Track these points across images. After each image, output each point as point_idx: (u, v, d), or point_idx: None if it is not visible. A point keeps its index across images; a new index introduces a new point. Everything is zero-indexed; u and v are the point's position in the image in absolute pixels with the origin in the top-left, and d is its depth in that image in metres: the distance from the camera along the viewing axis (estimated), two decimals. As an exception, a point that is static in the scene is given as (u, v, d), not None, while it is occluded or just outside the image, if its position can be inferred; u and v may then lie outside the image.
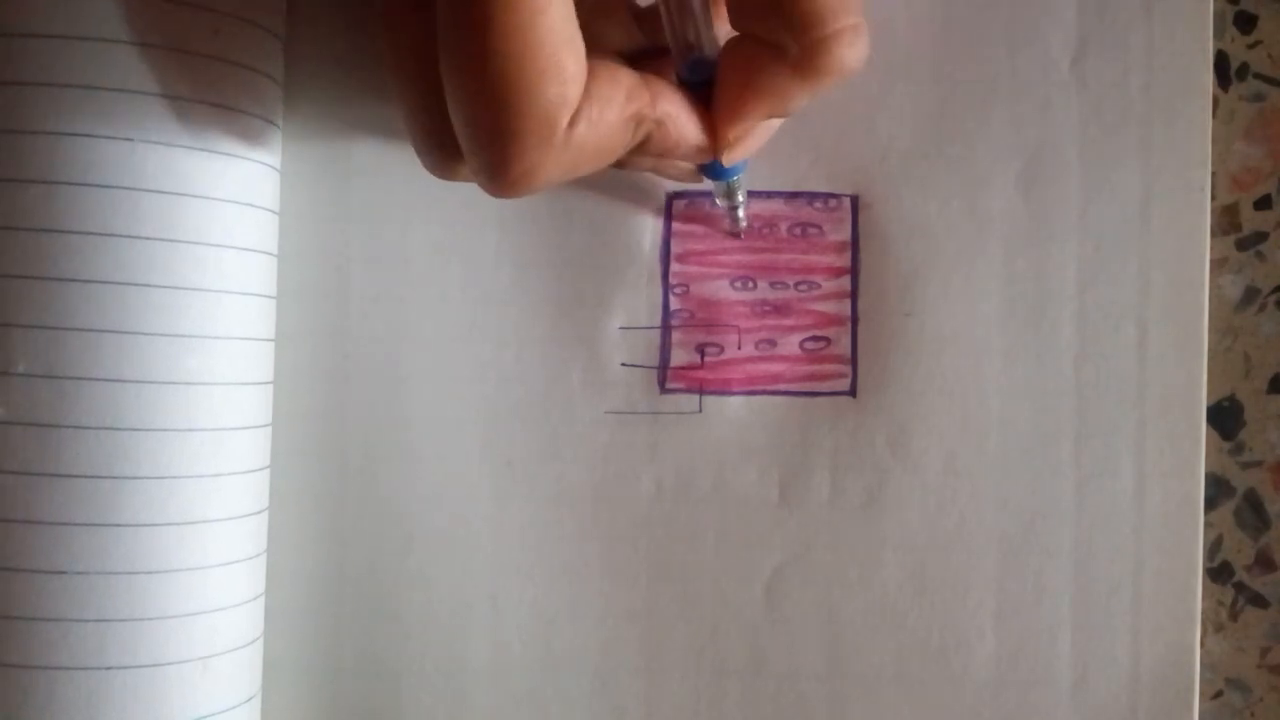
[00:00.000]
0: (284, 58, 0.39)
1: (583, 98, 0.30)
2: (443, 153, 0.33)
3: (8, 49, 0.32)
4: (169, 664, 0.33)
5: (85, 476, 0.32)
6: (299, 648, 0.40)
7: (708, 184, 0.39)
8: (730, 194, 0.39)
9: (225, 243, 0.34)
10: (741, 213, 0.40)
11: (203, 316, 0.34)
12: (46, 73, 0.32)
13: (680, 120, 0.33)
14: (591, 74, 0.30)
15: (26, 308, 0.32)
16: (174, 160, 0.33)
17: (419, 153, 0.34)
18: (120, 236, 0.32)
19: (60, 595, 0.32)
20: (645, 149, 0.33)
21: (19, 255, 0.32)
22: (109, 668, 0.32)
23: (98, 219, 0.32)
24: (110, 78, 0.32)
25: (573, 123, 0.30)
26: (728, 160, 0.35)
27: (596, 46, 0.31)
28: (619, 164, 0.35)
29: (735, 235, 0.41)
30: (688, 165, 0.37)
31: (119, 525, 0.32)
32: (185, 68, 0.33)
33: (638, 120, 0.32)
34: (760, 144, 0.36)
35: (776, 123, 0.36)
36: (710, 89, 0.34)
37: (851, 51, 0.31)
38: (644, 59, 0.35)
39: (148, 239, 0.33)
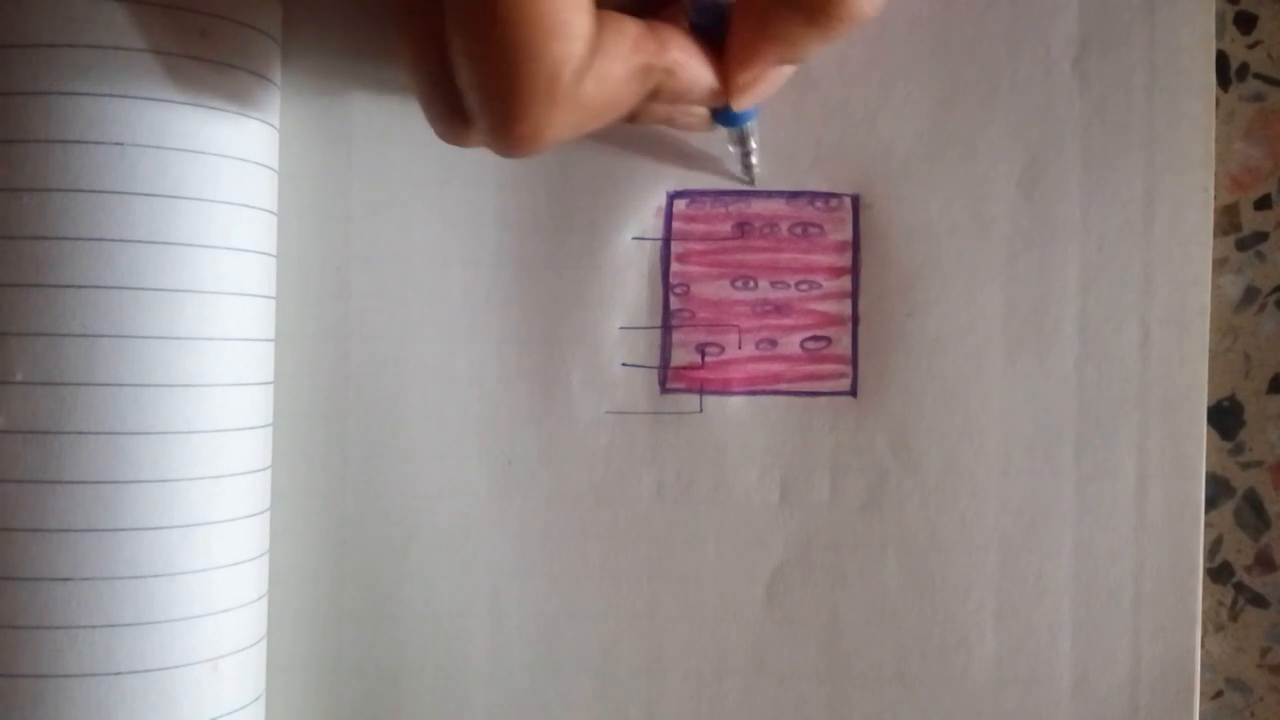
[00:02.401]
0: (282, 59, 0.38)
1: (589, 53, 0.30)
2: (452, 117, 0.32)
3: (-2, 58, 0.32)
4: (178, 667, 0.33)
5: (87, 482, 0.32)
6: (300, 648, 0.40)
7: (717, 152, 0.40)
8: (743, 140, 0.39)
9: (221, 244, 0.34)
10: (754, 159, 0.40)
11: (200, 318, 0.34)
12: (35, 81, 0.32)
13: (690, 66, 0.33)
14: (598, 27, 0.30)
15: (23, 315, 0.32)
16: (166, 163, 0.33)
17: (429, 119, 0.33)
18: (114, 241, 0.32)
19: (67, 602, 0.32)
20: (657, 97, 0.33)
21: (13, 263, 0.32)
22: (118, 673, 0.32)
23: (91, 224, 0.32)
24: (98, 83, 0.32)
25: (579, 79, 0.30)
26: (738, 105, 0.35)
27: None
28: (631, 118, 0.34)
29: (748, 183, 0.40)
30: (701, 114, 0.37)
31: (123, 530, 0.32)
32: (173, 70, 0.33)
33: (646, 70, 0.32)
34: (773, 89, 0.35)
35: (790, 69, 0.35)
36: (720, 33, 0.33)
37: None
38: (656, 4, 0.34)
39: (141, 242, 0.33)
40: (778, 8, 0.32)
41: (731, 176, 0.40)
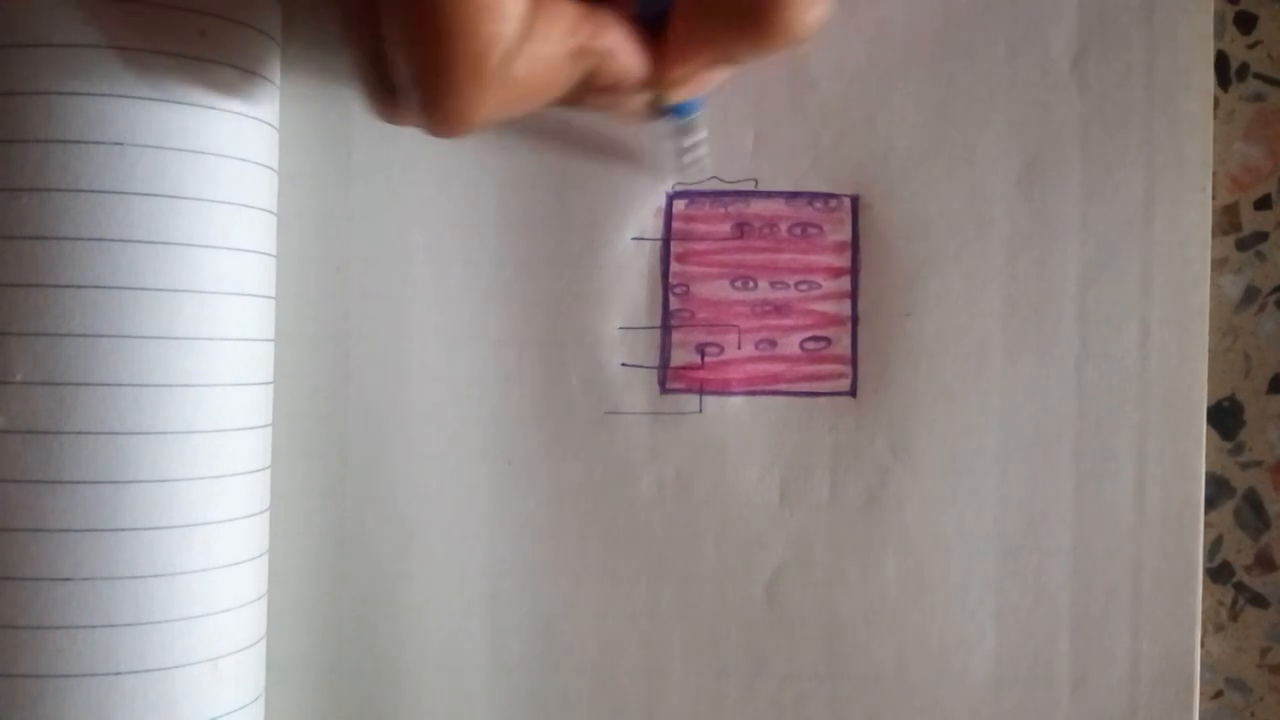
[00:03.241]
0: (282, 59, 0.38)
1: (522, 34, 0.29)
2: (385, 95, 0.32)
3: (-3, 58, 0.32)
4: (177, 667, 0.33)
5: (87, 482, 0.32)
6: (300, 648, 0.40)
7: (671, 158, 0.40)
8: (684, 133, 0.39)
9: (220, 244, 0.34)
10: (701, 151, 0.39)
11: (199, 318, 0.34)
12: (35, 81, 0.32)
13: (626, 53, 0.33)
14: (533, 7, 0.30)
15: (22, 315, 0.32)
16: (165, 163, 0.33)
17: (363, 95, 0.33)
18: (113, 241, 0.32)
19: (66, 602, 0.32)
20: (592, 83, 0.33)
21: (13, 263, 0.32)
22: (118, 673, 0.32)
23: (90, 224, 0.32)
24: (98, 83, 0.32)
25: (510, 60, 0.29)
26: (670, 99, 0.35)
27: None
28: (568, 102, 0.34)
29: (683, 181, 0.40)
30: (639, 104, 0.36)
31: (122, 530, 0.32)
32: (173, 70, 0.33)
33: (580, 53, 0.31)
34: (710, 86, 0.35)
35: (726, 70, 0.35)
36: (664, 21, 0.33)
37: (804, 16, 0.31)
38: None
39: (141, 242, 0.33)
40: (715, 14, 0.32)
41: (663, 172, 0.40)
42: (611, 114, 0.38)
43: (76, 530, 0.32)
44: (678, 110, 0.37)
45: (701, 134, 0.39)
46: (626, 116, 0.38)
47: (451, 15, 0.28)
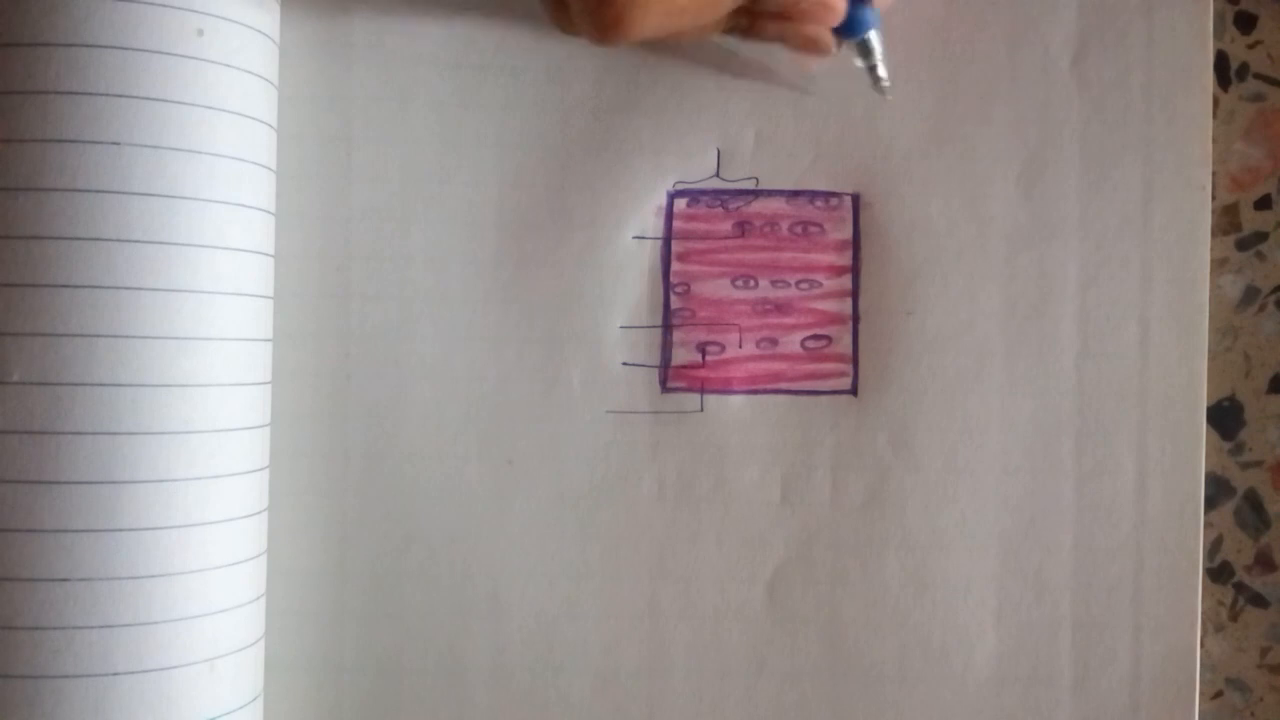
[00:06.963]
0: (281, 59, 0.38)
1: None
2: (557, 5, 0.34)
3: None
4: (175, 667, 0.33)
5: (84, 483, 0.32)
6: (300, 647, 0.40)
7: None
8: (866, 52, 0.38)
9: (218, 244, 0.34)
10: (882, 72, 0.39)
11: (196, 318, 0.34)
12: (33, 80, 0.32)
13: None
14: None
15: (19, 315, 0.32)
16: (163, 163, 0.33)
17: (541, 5, 0.35)
18: (111, 241, 0.32)
19: (64, 603, 0.32)
20: (758, 7, 0.34)
21: (10, 263, 0.32)
22: (115, 674, 0.32)
23: (88, 224, 0.32)
24: (96, 82, 0.32)
25: None
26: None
27: None
28: (745, 33, 0.35)
29: (880, 95, 0.40)
30: (816, 31, 0.37)
31: (120, 530, 0.32)
32: (171, 69, 0.33)
33: None
34: None
35: None
36: None
37: None
38: None
39: (138, 242, 0.33)
40: None
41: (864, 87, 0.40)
42: (786, 44, 0.38)
43: (74, 531, 0.32)
44: (853, 28, 0.37)
45: (879, 52, 0.38)
46: (803, 45, 0.38)
47: None
